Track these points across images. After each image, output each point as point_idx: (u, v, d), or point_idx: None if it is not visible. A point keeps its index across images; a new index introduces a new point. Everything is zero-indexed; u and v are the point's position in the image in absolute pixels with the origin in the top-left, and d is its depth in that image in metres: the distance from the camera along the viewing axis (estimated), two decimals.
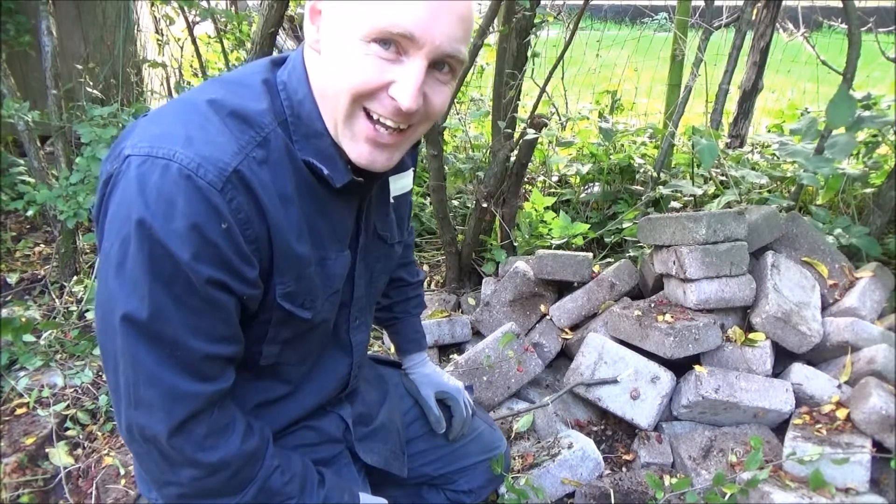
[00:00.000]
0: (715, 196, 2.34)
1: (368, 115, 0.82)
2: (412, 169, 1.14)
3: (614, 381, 1.71)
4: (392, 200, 1.07)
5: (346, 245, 0.99)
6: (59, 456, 1.69)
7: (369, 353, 1.50)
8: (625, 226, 2.42)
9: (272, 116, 0.84)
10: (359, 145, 0.84)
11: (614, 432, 1.79)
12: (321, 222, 0.92)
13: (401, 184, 1.09)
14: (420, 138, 1.05)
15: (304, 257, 0.90)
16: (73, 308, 2.32)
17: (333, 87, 0.81)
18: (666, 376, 1.70)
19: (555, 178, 3.09)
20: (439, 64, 0.81)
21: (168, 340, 0.79)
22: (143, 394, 0.81)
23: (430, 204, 2.61)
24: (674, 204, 2.49)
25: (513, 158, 2.31)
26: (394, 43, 0.77)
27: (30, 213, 2.39)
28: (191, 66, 3.48)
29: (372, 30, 0.76)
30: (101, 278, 0.80)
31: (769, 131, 3.09)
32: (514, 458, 1.62)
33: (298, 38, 4.17)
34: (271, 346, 0.96)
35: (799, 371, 1.68)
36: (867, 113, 1.96)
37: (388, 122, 0.81)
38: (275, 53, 1.88)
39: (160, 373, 0.80)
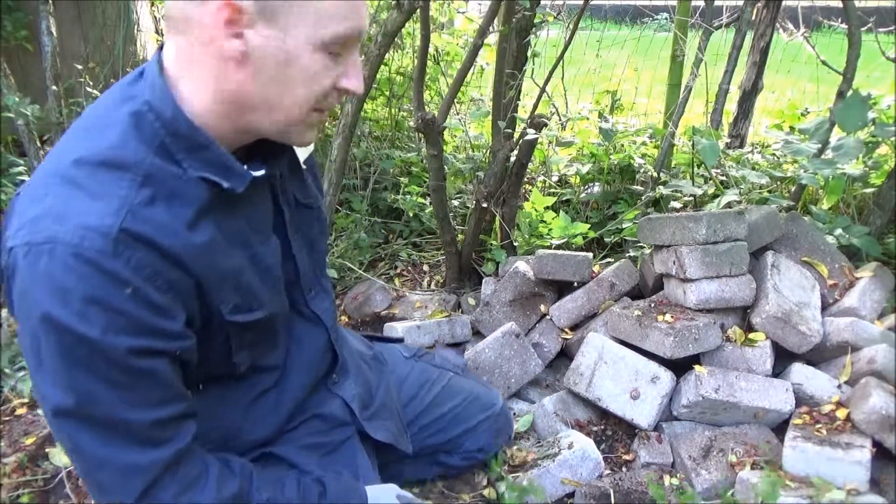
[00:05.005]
0: (715, 196, 2.34)
1: (316, 109, 0.85)
2: None
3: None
4: (304, 166, 1.08)
5: (269, 231, 0.98)
6: (60, 456, 1.69)
7: (364, 333, 1.52)
8: (625, 226, 2.42)
9: (145, 148, 0.80)
10: (308, 132, 0.88)
11: (614, 432, 1.79)
12: (236, 223, 0.90)
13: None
14: None
15: (236, 268, 0.88)
16: None
17: (286, 100, 0.82)
18: (666, 376, 1.70)
19: (555, 178, 3.09)
20: None
21: (106, 421, 0.78)
22: (98, 477, 0.81)
23: (430, 204, 2.61)
24: (674, 204, 2.49)
25: (513, 158, 2.31)
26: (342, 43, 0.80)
27: None
28: None
29: (334, 38, 0.78)
30: (30, 372, 0.79)
31: (768, 130, 3.09)
32: (515, 458, 1.62)
33: None
34: (240, 354, 0.96)
35: (799, 371, 1.68)
36: (873, 115, 1.94)
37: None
38: None
39: (107, 454, 0.79)
